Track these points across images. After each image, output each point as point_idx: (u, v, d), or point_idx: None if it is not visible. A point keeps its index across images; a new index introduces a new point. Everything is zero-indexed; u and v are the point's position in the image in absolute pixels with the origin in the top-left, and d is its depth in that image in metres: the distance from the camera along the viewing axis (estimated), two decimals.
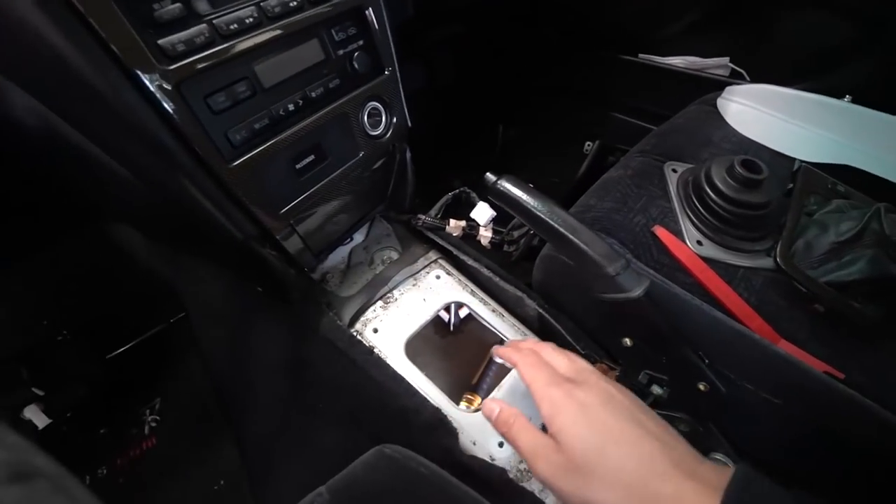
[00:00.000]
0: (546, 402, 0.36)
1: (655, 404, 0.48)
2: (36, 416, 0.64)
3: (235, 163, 0.41)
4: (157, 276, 0.84)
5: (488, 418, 0.42)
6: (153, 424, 0.76)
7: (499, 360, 0.52)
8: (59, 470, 0.16)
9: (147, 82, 0.35)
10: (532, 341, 0.47)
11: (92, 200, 0.67)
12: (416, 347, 0.57)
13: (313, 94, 0.46)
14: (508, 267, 0.62)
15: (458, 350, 0.65)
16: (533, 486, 0.47)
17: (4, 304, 0.82)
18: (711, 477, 0.29)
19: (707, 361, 0.44)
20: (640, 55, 1.01)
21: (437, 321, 0.66)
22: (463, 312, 0.66)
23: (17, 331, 0.80)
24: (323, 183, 0.49)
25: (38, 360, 0.71)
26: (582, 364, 0.41)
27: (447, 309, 0.65)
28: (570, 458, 0.32)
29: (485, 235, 0.64)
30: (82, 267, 0.88)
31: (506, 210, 0.48)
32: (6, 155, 0.59)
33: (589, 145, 1.15)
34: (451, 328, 0.66)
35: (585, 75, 1.14)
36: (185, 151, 0.39)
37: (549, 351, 0.43)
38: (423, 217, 0.63)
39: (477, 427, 0.51)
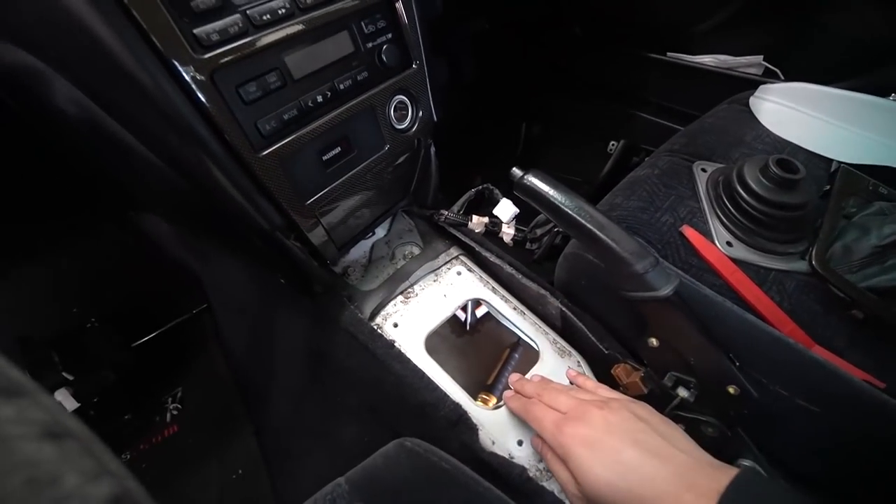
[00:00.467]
0: (558, 448, 0.39)
1: (681, 407, 0.47)
2: (66, 399, 0.66)
3: (265, 152, 0.42)
4: (183, 267, 0.86)
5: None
6: (175, 412, 0.78)
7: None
8: (90, 434, 0.16)
9: (183, 71, 0.36)
10: (535, 381, 0.49)
11: (127, 190, 0.69)
12: (434, 344, 0.56)
13: (342, 87, 0.46)
14: (530, 265, 0.61)
15: (474, 349, 0.65)
16: (553, 486, 0.46)
17: (39, 291, 0.85)
18: (710, 484, 0.30)
19: (738, 364, 0.43)
20: (669, 54, 0.99)
21: (453, 320, 0.66)
22: (480, 312, 0.66)
23: (50, 317, 0.82)
24: (348, 175, 0.50)
25: (69, 346, 0.73)
26: (582, 395, 0.43)
27: (464, 308, 0.65)
28: (587, 493, 0.35)
29: (507, 233, 0.63)
30: (112, 257, 0.91)
31: (532, 205, 0.47)
32: (48, 144, 0.61)
33: (613, 145, 1.13)
34: (468, 327, 0.66)
35: (611, 73, 1.13)
36: (217, 141, 0.40)
37: (551, 393, 0.45)
38: (446, 213, 0.62)
39: (496, 425, 0.50)
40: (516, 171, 0.48)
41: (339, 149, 0.48)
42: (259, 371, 0.72)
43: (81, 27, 0.33)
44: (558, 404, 0.42)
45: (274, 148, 0.42)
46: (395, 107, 0.52)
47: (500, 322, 0.61)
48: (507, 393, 0.50)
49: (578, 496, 0.36)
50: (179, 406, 0.79)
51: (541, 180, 0.46)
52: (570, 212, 0.45)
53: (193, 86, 0.37)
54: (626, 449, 0.35)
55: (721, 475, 0.31)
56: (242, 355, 0.76)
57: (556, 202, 0.45)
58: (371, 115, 0.50)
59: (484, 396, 0.57)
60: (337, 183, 0.49)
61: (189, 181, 0.46)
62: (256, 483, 0.67)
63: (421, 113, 0.54)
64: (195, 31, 0.36)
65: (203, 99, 0.37)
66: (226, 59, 0.38)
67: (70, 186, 0.73)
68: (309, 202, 0.47)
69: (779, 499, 0.29)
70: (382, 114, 0.51)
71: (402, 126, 0.53)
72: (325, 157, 0.47)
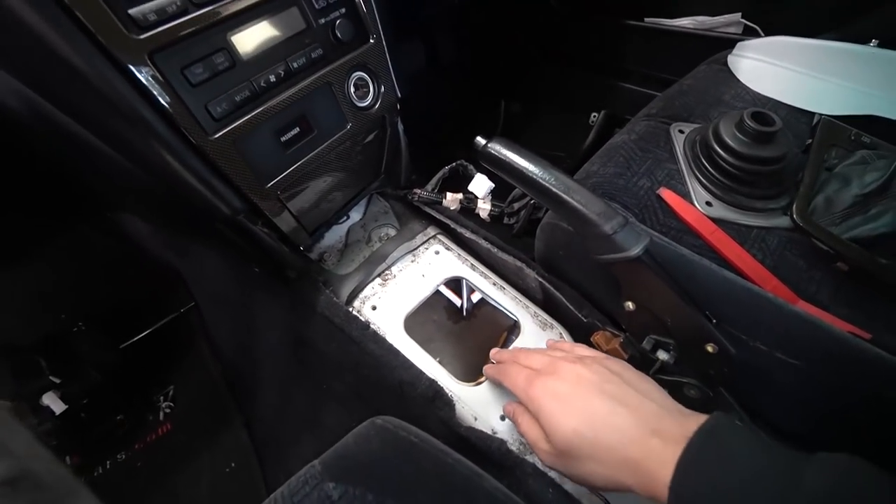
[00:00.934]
0: (528, 403, 0.39)
1: (662, 370, 0.46)
2: (53, 402, 0.66)
3: (217, 135, 0.41)
4: (167, 266, 0.86)
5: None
6: (167, 410, 0.78)
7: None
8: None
9: (119, 55, 0.35)
10: (513, 350, 0.48)
11: (97, 190, 0.68)
12: (425, 330, 0.56)
13: (295, 65, 0.45)
14: (509, 240, 0.60)
15: (470, 334, 0.64)
16: (534, 459, 0.46)
17: (24, 298, 0.85)
18: (678, 429, 0.30)
19: (714, 321, 0.42)
20: (647, 19, 0.96)
21: (449, 305, 0.65)
22: (476, 297, 0.65)
23: (36, 323, 0.82)
24: (310, 156, 0.48)
25: (55, 350, 0.73)
26: (556, 354, 0.43)
27: (458, 293, 0.64)
28: (556, 445, 0.35)
29: (483, 208, 0.62)
30: (95, 260, 0.90)
31: (499, 174, 0.46)
32: (12, 148, 0.60)
33: (595, 116, 1.11)
34: (464, 313, 0.65)
35: (589, 44, 1.10)
36: (167, 125, 0.39)
37: (525, 353, 0.45)
38: (420, 192, 0.61)
39: (479, 401, 0.49)
40: (479, 140, 0.46)
41: (297, 129, 0.47)
42: (245, 362, 0.72)
43: (11, 15, 0.32)
44: (532, 362, 0.43)
45: (227, 130, 0.41)
46: (355, 84, 0.51)
47: (496, 307, 0.60)
48: (486, 366, 0.50)
49: (548, 451, 0.36)
50: (172, 404, 0.79)
51: (505, 147, 0.45)
52: (535, 177, 0.44)
53: (133, 69, 0.36)
54: (595, 398, 0.35)
55: (689, 421, 0.30)
56: (228, 348, 0.76)
57: (521, 168, 0.44)
58: (329, 93, 0.49)
59: (480, 380, 0.56)
60: (298, 164, 0.48)
61: (147, 171, 0.45)
62: (248, 474, 0.67)
63: (383, 89, 0.53)
64: (130, 11, 0.35)
65: (145, 82, 0.36)
66: (166, 40, 0.37)
67: (43, 190, 0.72)
68: (269, 185, 0.46)
69: (747, 442, 0.28)
70: (341, 91, 0.49)
71: (364, 104, 0.52)
72: (283, 139, 0.46)
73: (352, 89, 0.50)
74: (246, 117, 0.42)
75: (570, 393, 0.36)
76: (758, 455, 0.27)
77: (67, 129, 0.42)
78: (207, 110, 0.40)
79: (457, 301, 0.64)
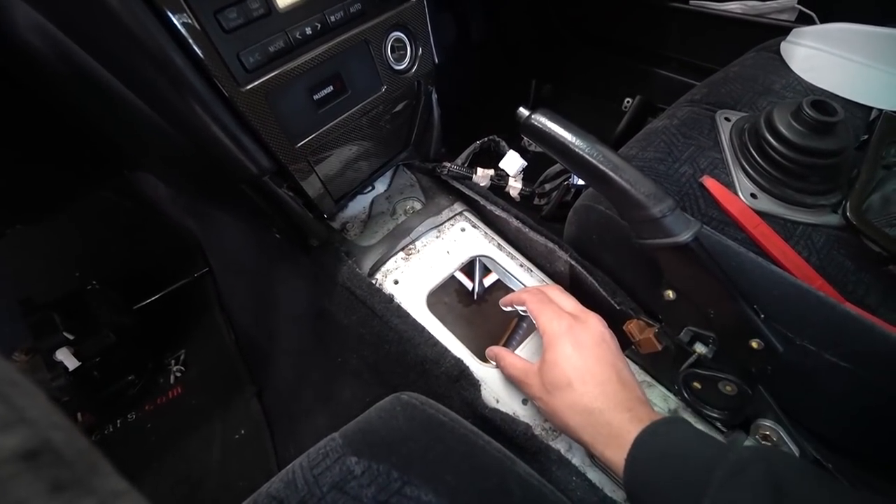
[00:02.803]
0: (548, 333, 0.42)
1: (698, 364, 0.44)
2: (67, 358, 0.66)
3: (249, 86, 0.39)
4: (182, 230, 0.85)
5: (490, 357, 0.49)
6: (178, 374, 0.77)
7: (507, 309, 0.51)
8: (10, 376, 0.13)
9: None
10: (542, 287, 0.49)
11: (114, 144, 0.66)
12: (438, 310, 0.54)
13: (332, 19, 0.42)
14: (539, 221, 0.58)
15: (481, 318, 0.63)
16: (559, 445, 0.44)
17: (40, 255, 0.84)
18: (645, 415, 0.36)
19: (763, 316, 0.39)
20: (692, 2, 0.91)
21: (460, 288, 0.63)
22: (488, 281, 0.63)
23: (52, 280, 0.82)
24: (342, 118, 0.46)
25: (70, 307, 0.72)
26: (584, 308, 0.46)
27: (471, 276, 0.62)
28: (548, 382, 0.40)
29: (514, 186, 0.60)
30: (114, 222, 0.90)
31: (541, 148, 0.44)
32: (36, 99, 0.58)
33: (628, 102, 1.06)
34: (475, 296, 0.63)
35: (627, 26, 1.05)
36: (196, 71, 0.37)
37: (556, 292, 0.47)
38: (450, 165, 0.59)
39: (501, 383, 0.48)
40: (523, 111, 0.44)
41: (331, 87, 0.44)
42: (261, 332, 0.71)
43: None
44: (562, 303, 0.45)
45: (259, 82, 0.39)
46: (392, 45, 0.48)
47: (508, 291, 0.58)
48: (507, 296, 0.51)
49: (535, 388, 0.41)
50: (183, 368, 0.78)
51: (549, 119, 0.43)
52: (581, 152, 0.41)
53: (164, 7, 0.33)
54: (605, 364, 0.39)
55: (654, 413, 0.37)
56: (244, 317, 0.75)
57: (567, 142, 0.41)
58: (366, 52, 0.46)
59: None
60: (330, 125, 0.45)
61: (173, 124, 0.43)
62: (258, 443, 0.66)
63: (421, 52, 0.50)
64: None
65: (176, 22, 0.34)
66: None
67: (63, 145, 0.71)
68: (300, 145, 0.44)
69: (695, 431, 0.34)
70: (378, 51, 0.47)
71: (401, 66, 0.49)
72: (315, 97, 0.44)
73: (389, 50, 0.48)
74: (279, 70, 0.40)
75: (591, 348, 0.40)
76: (703, 436, 0.34)
77: (92, 73, 0.40)
78: (240, 60, 0.38)
79: (468, 284, 0.62)
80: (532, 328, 0.54)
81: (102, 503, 0.13)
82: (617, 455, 0.34)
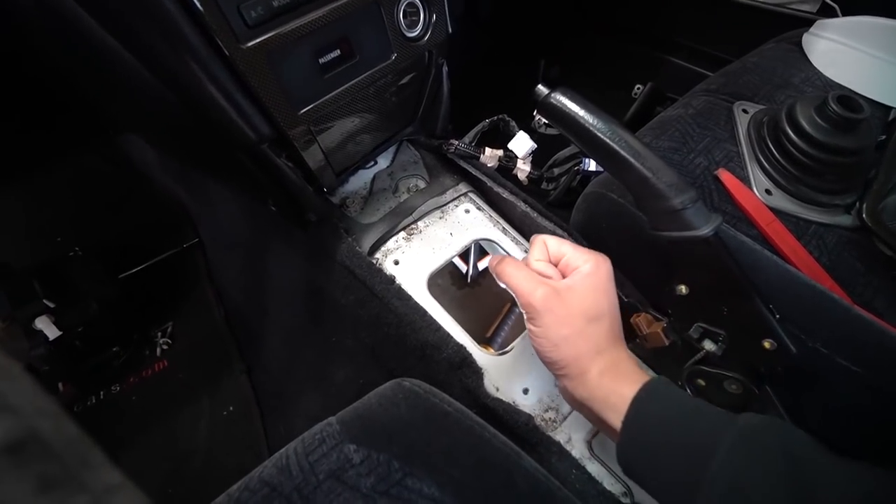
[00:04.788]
0: (524, 306, 0.37)
1: (705, 361, 0.43)
2: (47, 327, 0.63)
3: (249, 43, 0.35)
4: (171, 198, 0.81)
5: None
6: (165, 347, 0.75)
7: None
8: None
9: None
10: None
11: (103, 106, 0.62)
12: (433, 292, 0.52)
13: None
14: (547, 206, 0.56)
15: (474, 302, 0.61)
16: (559, 437, 0.43)
17: (19, 218, 0.80)
18: (640, 374, 0.35)
19: (778, 317, 0.38)
20: None
21: (454, 271, 0.62)
22: (482, 265, 0.61)
23: (31, 244, 0.78)
24: (348, 85, 0.43)
25: (50, 275, 0.69)
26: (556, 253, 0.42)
27: (465, 259, 0.60)
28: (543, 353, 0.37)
29: (522, 169, 0.57)
30: (97, 185, 0.85)
31: (558, 128, 0.41)
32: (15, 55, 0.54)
33: (639, 88, 1.04)
34: (469, 280, 0.62)
35: (639, 10, 1.02)
36: (192, 23, 0.33)
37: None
38: (457, 143, 0.56)
39: (501, 372, 0.47)
40: (542, 89, 0.41)
41: (338, 52, 0.41)
42: (252, 308, 0.69)
43: None
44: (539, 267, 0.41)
45: (260, 40, 0.36)
46: (405, 10, 0.45)
47: None
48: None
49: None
50: (170, 341, 0.76)
51: (570, 99, 0.40)
52: (602, 136, 0.39)
53: None
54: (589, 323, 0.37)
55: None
56: (235, 292, 0.72)
57: (588, 124, 0.39)
58: (377, 15, 0.43)
59: (507, 349, 0.53)
60: (336, 93, 0.42)
61: (166, 83, 0.40)
62: (247, 421, 0.65)
63: (435, 18, 0.47)
64: None
65: None
66: None
67: (40, 102, 0.66)
68: (302, 111, 0.41)
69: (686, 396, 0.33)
70: (390, 15, 0.44)
71: (413, 34, 0.46)
72: (321, 60, 0.40)
73: (401, 15, 0.44)
74: (283, 27, 0.37)
75: (572, 316, 0.36)
76: (698, 401, 0.33)
77: (75, 22, 0.37)
78: (240, 13, 0.35)
79: (462, 266, 0.60)
80: None
81: (96, 501, 0.11)
82: (612, 417, 0.33)
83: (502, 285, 0.40)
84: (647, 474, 0.31)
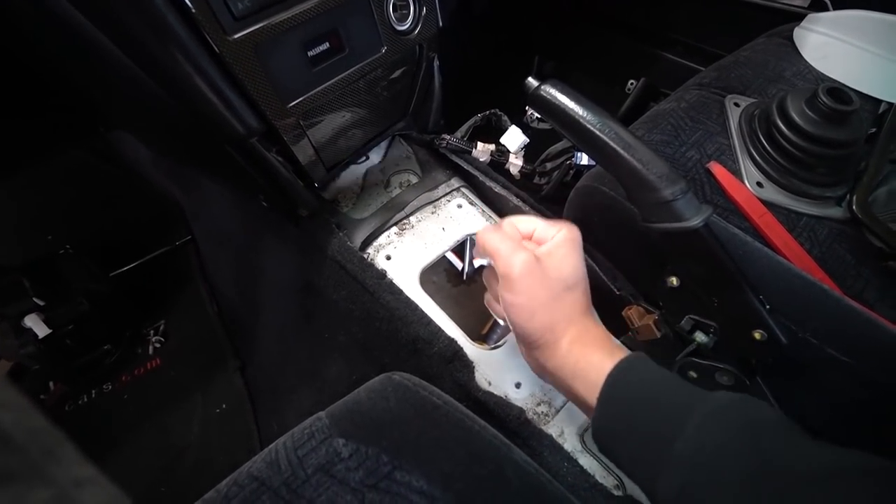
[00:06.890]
0: (502, 276, 0.37)
1: (696, 353, 0.43)
2: (36, 325, 0.62)
3: (236, 35, 0.35)
4: (163, 195, 0.81)
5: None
6: (157, 345, 0.75)
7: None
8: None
9: None
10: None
11: (95, 102, 0.62)
12: (427, 288, 0.52)
13: None
14: (539, 200, 0.56)
15: (469, 299, 0.61)
16: (551, 430, 0.43)
17: (9, 215, 0.80)
18: (613, 349, 0.35)
19: (768, 307, 0.38)
20: None
21: (449, 268, 0.61)
22: (478, 262, 0.61)
23: (20, 241, 0.77)
24: (338, 79, 0.43)
25: (40, 272, 0.68)
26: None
27: (461, 256, 0.60)
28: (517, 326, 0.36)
29: (515, 164, 0.57)
30: (88, 182, 0.85)
31: (548, 121, 0.41)
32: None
33: (632, 83, 1.04)
34: (464, 276, 0.61)
35: (634, 6, 1.02)
36: (180, 17, 0.33)
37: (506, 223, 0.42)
38: (449, 138, 0.56)
39: (493, 366, 0.46)
40: (532, 81, 0.41)
41: (327, 44, 0.41)
42: (245, 304, 0.69)
43: None
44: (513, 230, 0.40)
45: (248, 31, 0.36)
46: (395, 3, 0.45)
47: None
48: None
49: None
50: (162, 339, 0.76)
51: (560, 92, 0.40)
52: (592, 128, 0.39)
53: None
54: (563, 290, 0.36)
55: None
56: (227, 289, 0.72)
57: (577, 116, 0.39)
58: (366, 7, 0.42)
59: (499, 344, 0.53)
60: (325, 86, 0.42)
61: (153, 77, 0.39)
62: (240, 419, 0.64)
63: (425, 11, 0.46)
64: None
65: None
66: None
67: (29, 96, 0.65)
68: (291, 105, 0.40)
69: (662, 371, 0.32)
70: (379, 8, 0.43)
71: (403, 27, 0.46)
72: (310, 53, 0.40)
73: (391, 8, 0.44)
74: (271, 19, 0.36)
75: (550, 289, 0.36)
76: (674, 377, 0.32)
77: (64, 16, 0.36)
78: (227, 5, 0.34)
79: (458, 263, 0.60)
80: None
81: (61, 495, 0.10)
82: (581, 386, 0.33)
83: (483, 261, 0.39)
84: (620, 450, 0.31)
